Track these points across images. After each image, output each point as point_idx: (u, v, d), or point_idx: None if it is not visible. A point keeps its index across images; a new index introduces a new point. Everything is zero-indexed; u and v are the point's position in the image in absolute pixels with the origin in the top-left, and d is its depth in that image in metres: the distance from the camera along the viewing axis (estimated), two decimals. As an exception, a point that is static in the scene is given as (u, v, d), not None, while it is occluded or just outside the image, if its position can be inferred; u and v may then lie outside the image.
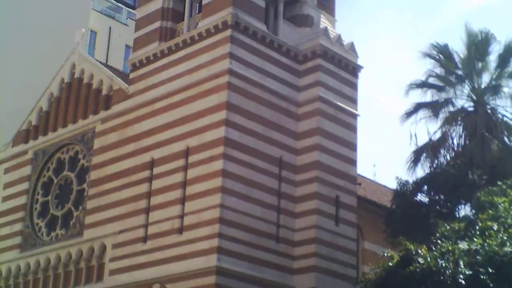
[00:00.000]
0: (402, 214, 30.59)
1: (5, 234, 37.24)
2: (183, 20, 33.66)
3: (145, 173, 31.73)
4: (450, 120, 34.82)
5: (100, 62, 38.65)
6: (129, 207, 31.78)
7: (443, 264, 22.90)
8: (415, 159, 34.21)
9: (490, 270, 22.46)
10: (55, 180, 36.38)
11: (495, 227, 24.40)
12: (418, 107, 35.31)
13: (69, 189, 35.54)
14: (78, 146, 35.71)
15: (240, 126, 29.94)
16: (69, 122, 36.46)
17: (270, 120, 31.08)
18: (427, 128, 35.25)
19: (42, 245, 35.27)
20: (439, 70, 35.74)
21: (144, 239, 30.77)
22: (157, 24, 33.95)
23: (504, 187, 27.64)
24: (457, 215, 30.32)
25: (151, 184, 31.41)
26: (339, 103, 32.46)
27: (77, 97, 36.61)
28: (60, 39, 44.45)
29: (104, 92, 35.20)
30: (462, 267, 22.71)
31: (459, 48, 36.04)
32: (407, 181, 31.99)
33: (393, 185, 33.94)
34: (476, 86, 35.06)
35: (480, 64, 35.31)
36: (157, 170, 31.39)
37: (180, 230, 29.55)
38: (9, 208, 37.64)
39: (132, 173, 32.27)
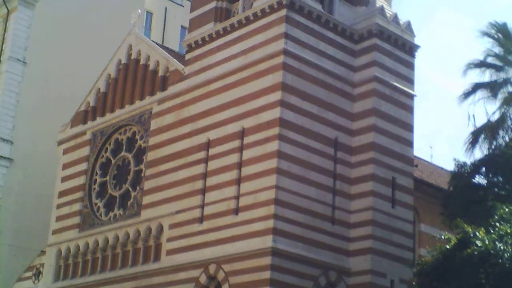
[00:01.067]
0: (460, 196, 30.14)
1: (64, 214, 37.94)
2: (238, 0, 33.60)
3: (201, 154, 31.90)
4: (509, 101, 34.08)
5: (156, 43, 38.87)
6: (185, 188, 32.01)
7: (501, 247, 22.66)
8: (473, 140, 33.64)
9: (550, 254, 22.13)
10: (113, 161, 36.85)
11: (555, 210, 24.01)
12: (476, 87, 34.65)
13: (126, 170, 35.96)
14: (135, 127, 36.06)
15: (295, 107, 29.83)
16: (127, 103, 36.82)
17: (325, 100, 30.89)
18: (485, 109, 34.58)
19: (101, 225, 35.82)
20: (497, 50, 34.99)
21: (201, 219, 30.99)
22: (212, 5, 33.96)
23: None
24: (516, 198, 29.82)
25: (207, 165, 31.58)
26: (395, 84, 32.12)
27: (134, 78, 36.91)
28: (117, 20, 44.86)
29: (160, 73, 35.42)
30: (521, 250, 22.41)
31: (518, 27, 35.28)
32: (465, 163, 31.51)
33: (450, 167, 33.49)
34: (535, 66, 34.27)
35: (539, 44, 34.50)
36: (213, 151, 31.54)
37: (236, 211, 29.68)
38: (68, 188, 38.32)
39: (188, 154, 32.48)
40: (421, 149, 44.91)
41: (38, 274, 38.45)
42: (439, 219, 31.15)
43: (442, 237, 25.42)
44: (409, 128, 32.30)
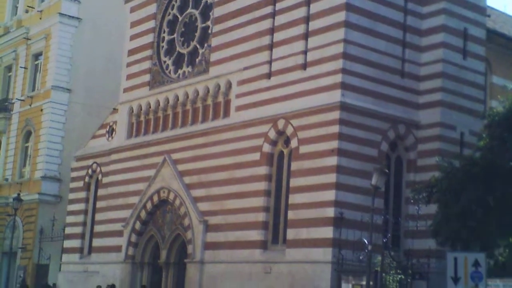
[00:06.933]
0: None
1: (134, 72, 38.36)
2: None
3: (268, 9, 31.45)
4: None
5: None
6: (253, 44, 31.81)
7: None
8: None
9: None
10: (180, 18, 36.72)
11: None
12: None
13: (194, 27, 35.84)
14: (201, -18, 35.67)
15: (363, -42, 28.95)
16: (191, -41, 36.32)
17: (395, -50, 29.85)
18: None
19: (170, 82, 36.14)
20: None
21: (268, 75, 30.94)
22: None
23: None
24: None
25: (274, 20, 31.20)
26: None
27: None
28: None
29: None
30: None
31: None
32: (540, 11, 30.47)
33: (525, 16, 32.47)
34: None
35: None
36: (279, 5, 31.05)
37: (304, 66, 29.49)
38: (137, 47, 38.54)
39: (254, 9, 32.05)
40: (494, -1, 43.34)
41: (111, 131, 39.38)
42: (512, 71, 30.54)
43: (515, 88, 24.95)
44: (482, -24, 31.19)
